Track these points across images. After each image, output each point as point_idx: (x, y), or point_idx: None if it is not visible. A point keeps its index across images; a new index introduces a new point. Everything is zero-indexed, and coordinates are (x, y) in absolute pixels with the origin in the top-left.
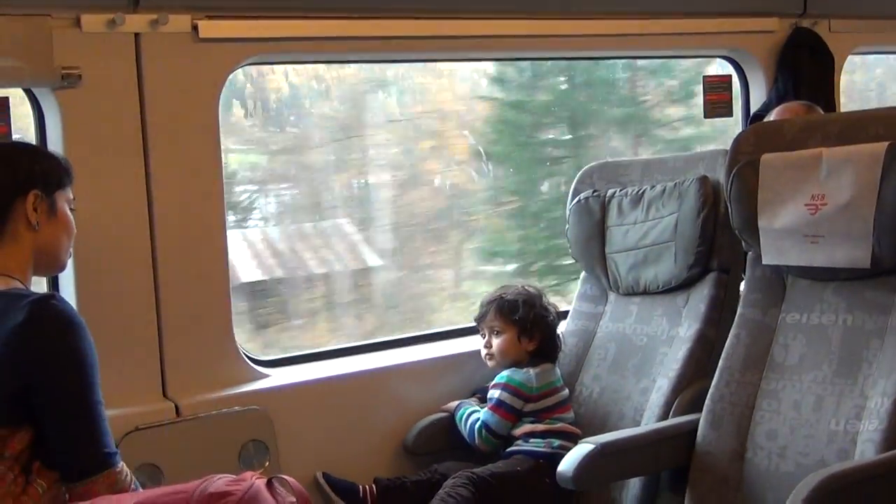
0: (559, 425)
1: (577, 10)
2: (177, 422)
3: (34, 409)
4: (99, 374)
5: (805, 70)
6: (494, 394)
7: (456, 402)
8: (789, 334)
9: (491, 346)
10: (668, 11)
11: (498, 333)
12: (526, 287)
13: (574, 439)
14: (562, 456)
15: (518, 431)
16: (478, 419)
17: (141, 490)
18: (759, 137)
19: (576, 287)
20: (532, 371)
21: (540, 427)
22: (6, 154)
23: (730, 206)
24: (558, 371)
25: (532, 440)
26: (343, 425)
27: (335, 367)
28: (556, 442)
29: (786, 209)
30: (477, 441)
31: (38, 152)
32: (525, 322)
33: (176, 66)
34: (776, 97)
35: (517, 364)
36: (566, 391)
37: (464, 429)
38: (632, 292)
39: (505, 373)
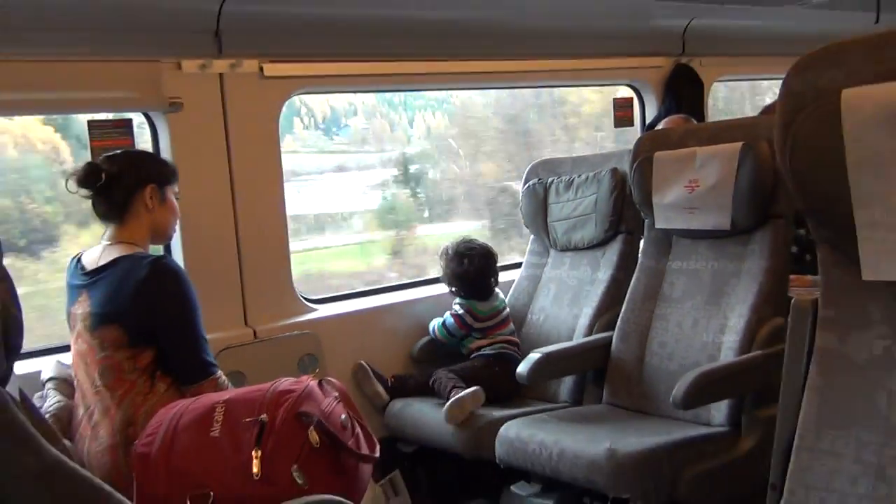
0: (499, 338)
1: (524, 52)
2: (254, 342)
3: (157, 336)
4: (200, 310)
5: (684, 93)
6: (455, 308)
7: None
8: (674, 276)
9: None
10: (590, 53)
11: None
12: (462, 244)
13: (513, 345)
14: (504, 353)
15: (472, 346)
16: (441, 321)
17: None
18: (653, 141)
19: None
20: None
21: (486, 342)
22: (133, 158)
23: (633, 189)
24: (495, 303)
25: (483, 350)
26: (368, 343)
27: (362, 303)
28: (499, 345)
29: (671, 190)
30: (437, 333)
31: (154, 158)
32: (446, 275)
33: (248, 96)
34: (664, 112)
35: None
36: (505, 312)
37: (432, 329)
38: (566, 249)
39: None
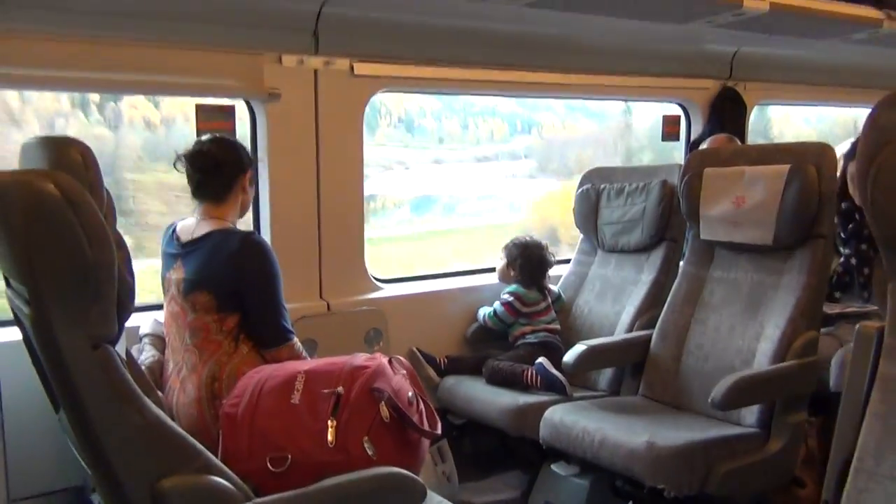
0: (542, 326)
1: (586, 67)
2: (327, 314)
3: (242, 302)
4: (282, 282)
5: (728, 114)
6: (504, 297)
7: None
8: (714, 284)
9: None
10: (645, 72)
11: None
12: (524, 237)
13: (554, 333)
14: (547, 342)
15: (517, 332)
16: (491, 310)
17: (309, 359)
18: (703, 158)
19: None
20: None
21: (529, 328)
22: (234, 145)
23: (681, 200)
24: (541, 294)
25: (527, 336)
26: (428, 321)
27: (425, 286)
28: (542, 334)
29: (719, 204)
30: (487, 320)
31: (240, 145)
32: (513, 259)
33: (338, 90)
34: (708, 131)
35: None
36: (547, 302)
37: (481, 316)
38: (613, 250)
39: (512, 286)
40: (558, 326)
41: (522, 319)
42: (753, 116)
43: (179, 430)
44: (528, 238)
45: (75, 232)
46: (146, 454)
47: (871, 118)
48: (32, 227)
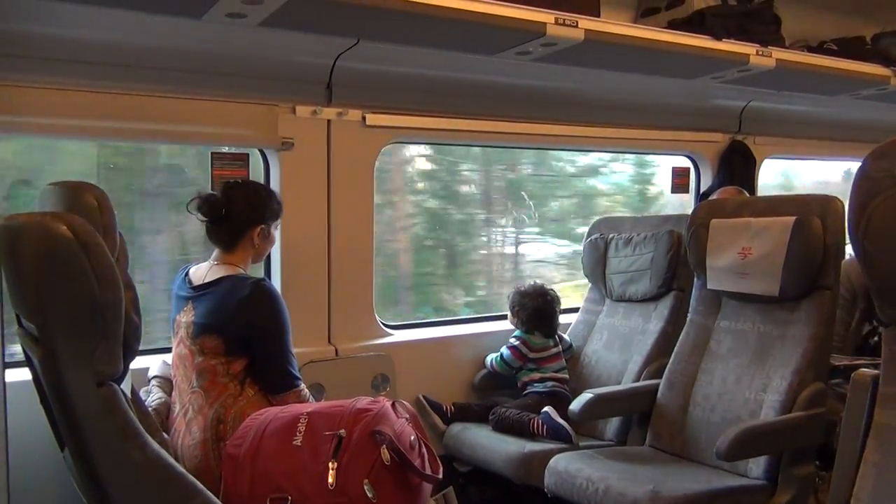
0: (550, 374)
1: (597, 120)
2: (335, 359)
3: (250, 346)
4: (290, 329)
5: (737, 167)
6: (511, 341)
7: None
8: (721, 334)
9: None
10: (656, 125)
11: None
12: (526, 285)
13: (562, 382)
14: (556, 391)
15: (525, 379)
16: (498, 354)
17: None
18: (710, 209)
19: None
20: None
21: (537, 375)
22: (249, 198)
23: (688, 251)
24: (551, 341)
25: (535, 385)
26: (436, 368)
27: (434, 332)
28: (549, 384)
29: (725, 255)
30: (495, 365)
31: (267, 196)
32: (513, 306)
33: (350, 140)
34: (717, 183)
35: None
36: (557, 349)
37: (489, 363)
38: (621, 300)
39: (518, 331)
40: (567, 376)
41: (530, 364)
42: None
43: (180, 469)
44: (530, 285)
45: (85, 272)
46: (146, 492)
47: (861, 170)
48: (44, 266)
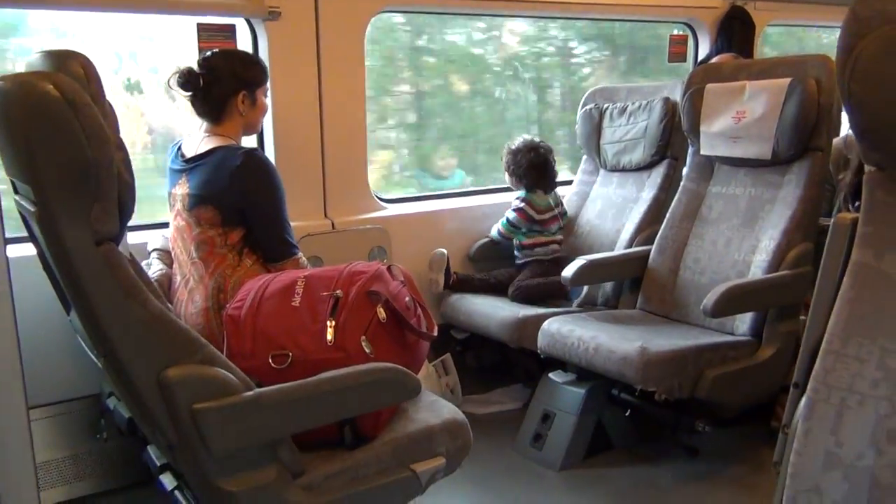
0: (551, 237)
1: None
2: (332, 232)
3: (246, 217)
4: (285, 198)
5: (736, 34)
6: (516, 203)
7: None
8: (713, 199)
9: None
10: None
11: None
12: (521, 141)
13: (560, 244)
14: (556, 258)
15: (528, 241)
16: (504, 219)
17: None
18: (705, 73)
19: None
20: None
21: (542, 239)
22: (226, 63)
23: (682, 117)
24: (550, 199)
25: (536, 249)
26: (432, 240)
27: (427, 206)
28: (551, 247)
29: (719, 119)
30: (502, 229)
31: (245, 61)
32: (508, 165)
33: (339, 10)
34: (716, 51)
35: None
36: (557, 210)
37: (495, 233)
38: (615, 169)
39: (522, 192)
40: (562, 237)
41: (536, 227)
42: None
43: (183, 324)
44: (520, 141)
45: (74, 130)
46: (151, 345)
47: (850, 11)
48: (33, 125)
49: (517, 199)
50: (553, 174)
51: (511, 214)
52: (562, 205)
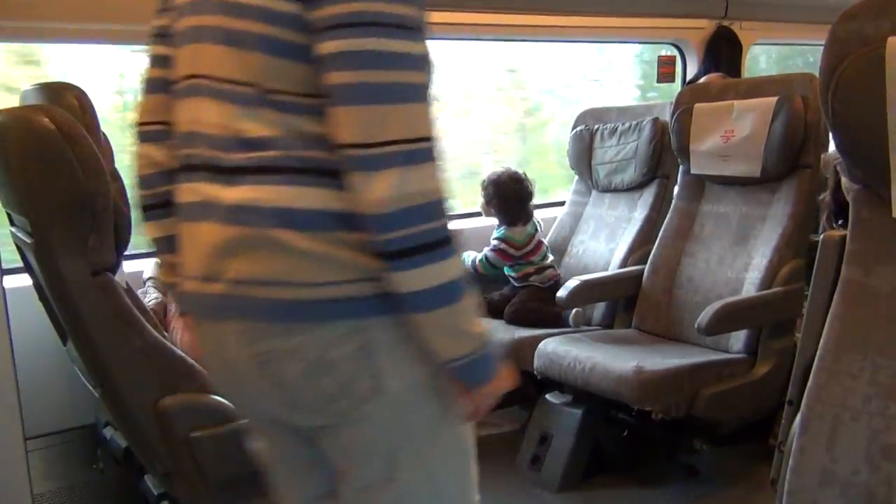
0: (541, 264)
1: (576, 8)
2: None
3: None
4: None
5: (723, 54)
6: (494, 243)
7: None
8: (704, 218)
9: None
10: (637, 12)
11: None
12: (498, 171)
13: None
14: (549, 282)
15: (519, 274)
16: (482, 255)
17: None
18: (693, 93)
19: None
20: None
21: (532, 269)
22: None
23: (672, 136)
24: (529, 229)
25: (531, 278)
26: None
27: None
28: (547, 272)
29: (708, 139)
30: (478, 268)
31: None
32: (489, 197)
33: None
34: (703, 71)
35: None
36: (537, 238)
37: (469, 262)
38: (606, 190)
39: (500, 230)
40: (552, 263)
41: (520, 261)
42: None
43: (180, 352)
44: (502, 171)
45: (70, 163)
46: (148, 373)
47: (831, 33)
48: (29, 158)
49: (495, 238)
50: (528, 206)
51: (490, 254)
52: (539, 225)
